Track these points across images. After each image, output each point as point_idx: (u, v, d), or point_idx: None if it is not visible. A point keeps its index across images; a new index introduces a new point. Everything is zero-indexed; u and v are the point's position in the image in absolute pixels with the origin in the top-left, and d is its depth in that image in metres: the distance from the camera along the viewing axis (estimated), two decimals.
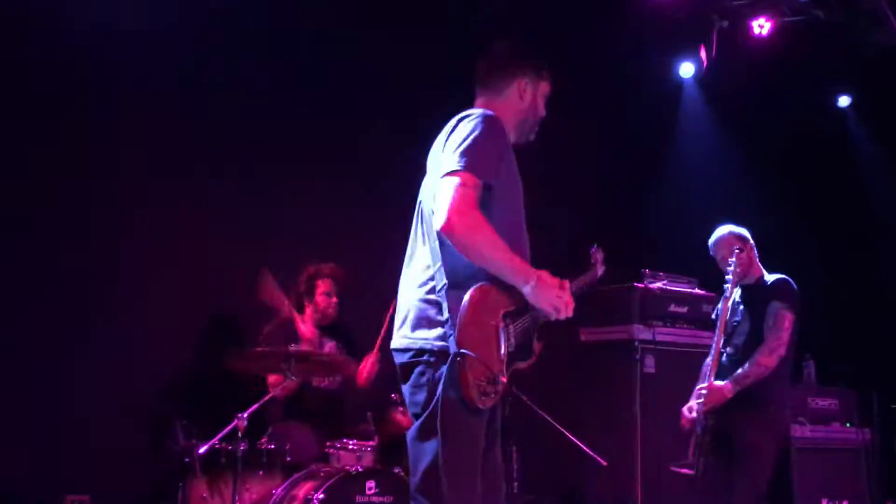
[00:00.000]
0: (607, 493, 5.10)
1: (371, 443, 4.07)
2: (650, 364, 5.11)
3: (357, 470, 3.81)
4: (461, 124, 2.54)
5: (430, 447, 2.39)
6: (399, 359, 2.55)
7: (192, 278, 4.86)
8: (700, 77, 6.77)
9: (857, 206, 6.54)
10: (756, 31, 6.29)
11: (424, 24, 5.46)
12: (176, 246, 4.84)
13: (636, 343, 5.09)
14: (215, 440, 3.76)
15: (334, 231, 5.31)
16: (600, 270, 3.08)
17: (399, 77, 5.47)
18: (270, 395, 4.00)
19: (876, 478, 5.61)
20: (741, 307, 4.18)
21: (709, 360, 4.09)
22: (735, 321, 4.15)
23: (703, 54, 6.46)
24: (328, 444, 4.08)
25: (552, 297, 2.47)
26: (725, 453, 3.98)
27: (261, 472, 3.92)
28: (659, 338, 5.16)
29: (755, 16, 6.26)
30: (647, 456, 5.00)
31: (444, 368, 2.39)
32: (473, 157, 2.44)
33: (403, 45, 5.42)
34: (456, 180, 2.41)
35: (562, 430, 4.34)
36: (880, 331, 5.98)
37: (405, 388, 2.54)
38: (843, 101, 6.83)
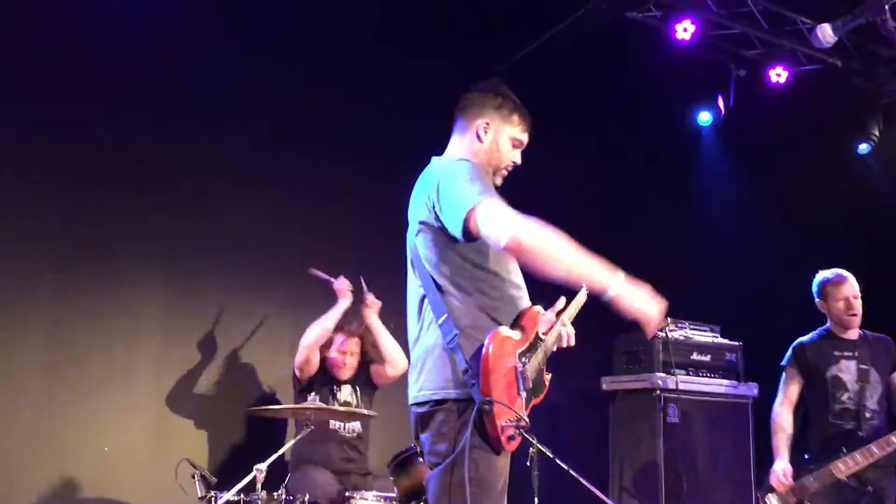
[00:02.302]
0: None
1: (391, 494, 4.02)
2: (673, 413, 5.04)
3: None
4: (447, 170, 2.57)
5: (452, 496, 2.36)
6: (418, 410, 2.55)
7: (211, 321, 4.88)
8: (718, 125, 6.79)
9: (878, 252, 6.47)
10: (773, 79, 6.32)
11: (452, 57, 5.48)
12: (193, 293, 4.86)
13: (659, 392, 5.02)
14: (233, 491, 3.72)
15: (356, 272, 5.33)
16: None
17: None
18: (290, 444, 3.98)
19: None
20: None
21: None
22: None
23: (720, 103, 6.49)
24: (348, 494, 4.02)
25: (641, 300, 2.44)
26: None
27: None
28: (682, 386, 5.09)
29: (772, 65, 6.30)
30: None
31: (465, 417, 2.37)
32: (486, 189, 2.47)
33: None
34: (490, 204, 2.41)
35: (584, 482, 4.26)
36: None
37: (424, 438, 2.53)
38: (863, 147, 6.80)
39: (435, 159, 2.75)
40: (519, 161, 2.79)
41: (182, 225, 4.84)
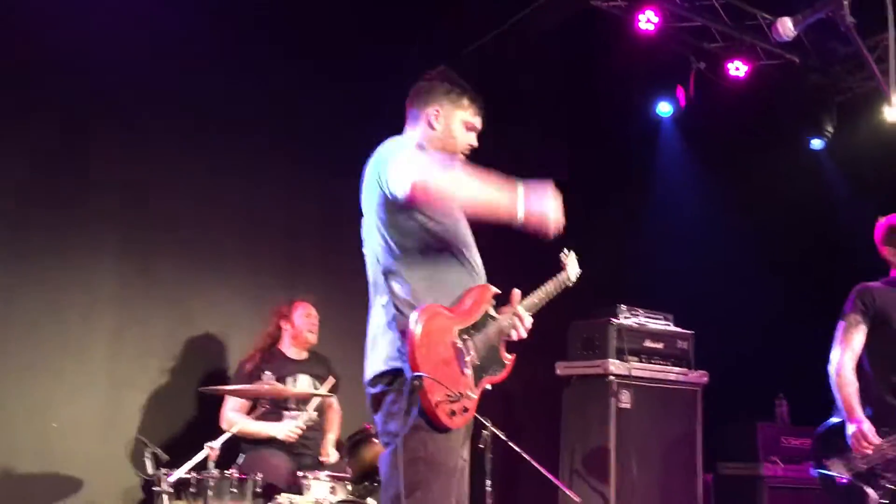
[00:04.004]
0: None
1: (344, 474, 4.03)
2: (625, 399, 5.12)
3: (330, 502, 3.75)
4: (387, 146, 2.62)
5: (400, 474, 2.38)
6: (370, 390, 2.58)
7: (168, 300, 4.83)
8: (678, 116, 6.87)
9: (829, 246, 6.62)
10: (733, 73, 6.40)
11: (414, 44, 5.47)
12: (149, 272, 4.80)
13: (612, 378, 5.09)
14: (185, 469, 3.71)
15: (313, 259, 5.31)
16: (572, 273, 3.04)
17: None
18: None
19: None
20: None
21: None
22: None
23: (680, 94, 6.57)
24: (301, 474, 4.03)
25: (547, 198, 2.51)
26: None
27: (230, 502, 3.85)
28: (634, 373, 5.17)
29: (731, 59, 6.38)
30: (620, 491, 4.98)
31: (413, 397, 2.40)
32: (411, 156, 2.52)
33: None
34: (403, 156, 2.49)
35: (536, 465, 4.32)
36: None
37: (378, 418, 2.56)
38: (817, 143, 6.95)
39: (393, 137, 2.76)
40: (475, 144, 2.81)
41: (140, 202, 4.78)
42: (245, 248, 5.10)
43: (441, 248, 2.57)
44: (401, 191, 2.43)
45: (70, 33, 4.56)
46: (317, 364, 4.72)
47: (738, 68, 6.37)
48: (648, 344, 5.38)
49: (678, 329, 5.57)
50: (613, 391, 5.07)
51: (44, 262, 4.47)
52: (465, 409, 2.46)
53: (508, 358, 2.65)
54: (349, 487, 3.97)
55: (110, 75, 4.69)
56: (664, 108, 6.94)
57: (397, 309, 2.49)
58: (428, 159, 2.51)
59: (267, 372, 4.21)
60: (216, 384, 4.17)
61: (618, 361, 5.14)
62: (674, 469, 5.27)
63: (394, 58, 5.19)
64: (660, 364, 5.36)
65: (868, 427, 3.49)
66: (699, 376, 5.47)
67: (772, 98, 6.69)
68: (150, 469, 3.86)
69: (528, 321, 2.68)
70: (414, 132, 2.77)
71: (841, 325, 3.75)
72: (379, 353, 2.54)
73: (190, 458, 3.71)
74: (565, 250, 3.06)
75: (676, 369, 5.40)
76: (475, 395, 2.51)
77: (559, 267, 3.02)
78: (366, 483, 3.94)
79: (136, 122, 4.79)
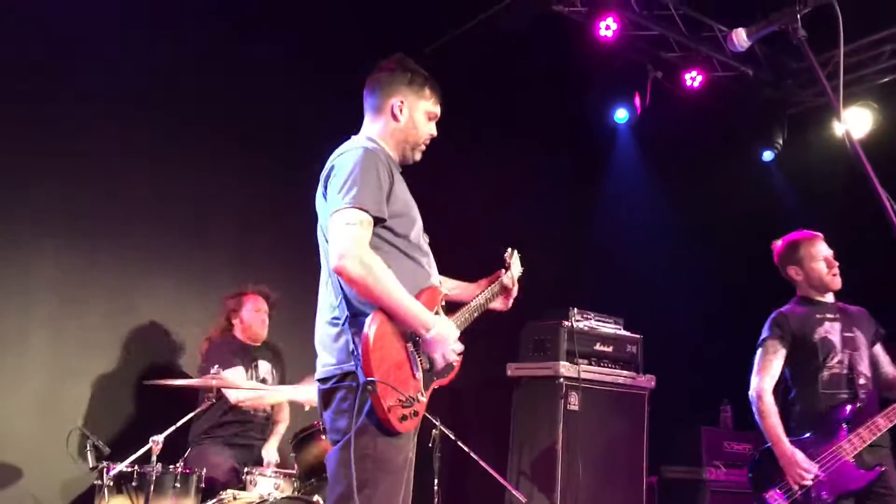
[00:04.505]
0: None
1: (290, 471, 4.00)
2: (574, 401, 5.16)
3: (274, 498, 3.72)
4: (339, 161, 2.57)
5: (347, 474, 2.38)
6: (320, 387, 2.57)
7: (111, 289, 4.74)
8: (633, 123, 6.95)
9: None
10: (688, 83, 6.50)
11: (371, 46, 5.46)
12: (92, 259, 4.71)
13: (561, 380, 5.13)
14: (127, 462, 3.64)
15: (264, 249, 5.26)
16: (515, 271, 3.02)
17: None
18: (189, 415, 3.91)
19: None
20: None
21: None
22: None
23: (637, 101, 6.65)
24: (246, 470, 3.98)
25: (446, 350, 2.53)
26: None
27: (173, 497, 3.79)
28: (584, 375, 5.22)
29: (688, 69, 6.48)
30: (566, 492, 5.03)
31: (364, 396, 2.39)
32: (359, 193, 2.46)
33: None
34: (345, 218, 2.44)
35: (483, 464, 4.33)
36: None
37: (326, 415, 2.55)
38: (767, 155, 7.09)
39: (345, 143, 2.71)
40: (435, 133, 2.80)
41: (82, 188, 4.68)
42: (192, 237, 5.02)
43: (394, 252, 2.55)
44: (331, 261, 2.44)
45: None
46: (274, 353, 4.69)
47: (693, 78, 6.47)
48: (598, 347, 5.44)
49: (627, 333, 5.64)
50: (563, 393, 5.11)
51: None
52: (416, 413, 2.46)
53: (456, 360, 2.65)
54: (295, 484, 3.94)
55: (56, 55, 4.59)
56: (621, 115, 7.02)
57: (349, 309, 2.47)
58: (367, 250, 2.43)
59: (216, 367, 4.16)
60: (160, 376, 4.09)
61: (568, 364, 5.18)
62: (619, 471, 5.34)
63: (351, 50, 5.17)
64: (609, 367, 5.42)
65: (800, 457, 3.52)
66: (647, 380, 5.55)
67: (725, 109, 6.82)
68: (91, 461, 3.79)
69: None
70: (373, 125, 2.74)
71: (759, 351, 3.79)
72: (331, 352, 2.52)
73: (133, 452, 3.64)
74: (509, 249, 3.04)
75: (625, 373, 5.47)
76: (425, 399, 2.51)
77: (504, 265, 3.00)
78: (312, 480, 3.91)
79: (82, 104, 4.68)
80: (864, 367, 3.68)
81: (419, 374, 2.49)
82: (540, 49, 6.14)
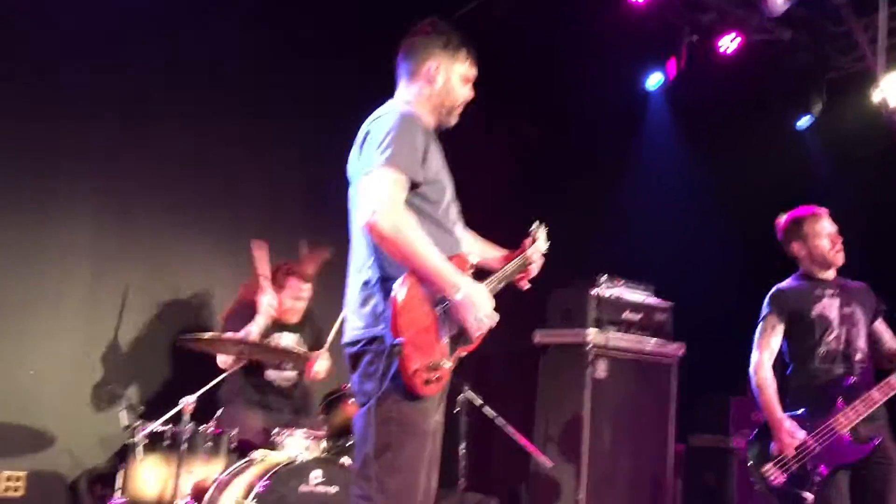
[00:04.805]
0: (552, 495, 5.14)
1: (319, 433, 4.05)
2: (602, 369, 5.16)
3: (304, 459, 3.78)
4: (375, 126, 2.55)
5: (374, 435, 2.40)
6: (348, 350, 2.58)
7: (146, 250, 4.80)
8: (667, 88, 6.84)
9: None
10: (723, 47, 6.37)
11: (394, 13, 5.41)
12: (127, 222, 4.76)
13: (589, 347, 5.13)
14: (159, 422, 3.72)
15: (295, 215, 5.28)
16: (542, 246, 2.95)
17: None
18: (220, 377, 3.97)
19: None
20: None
21: None
22: None
23: (671, 66, 6.54)
24: (276, 431, 4.04)
25: (479, 315, 2.45)
26: None
27: (205, 457, 3.87)
28: (612, 343, 5.20)
29: (723, 32, 6.35)
30: (592, 459, 5.05)
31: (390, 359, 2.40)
32: (394, 154, 2.44)
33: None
34: (379, 176, 2.42)
35: (510, 429, 4.36)
36: None
37: (354, 378, 2.56)
38: (804, 121, 6.95)
39: (381, 108, 2.69)
40: (471, 96, 2.76)
41: (117, 148, 4.72)
42: (226, 202, 5.05)
43: (425, 218, 2.54)
44: (362, 217, 2.43)
45: None
46: (302, 323, 4.70)
47: (730, 42, 6.33)
48: (627, 315, 5.41)
49: (657, 301, 5.60)
50: (590, 360, 5.11)
51: (20, 207, 4.42)
52: (440, 379, 2.46)
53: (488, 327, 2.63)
54: (324, 445, 3.99)
55: (80, 33, 4.61)
56: (653, 81, 6.91)
57: (380, 271, 2.48)
58: (401, 209, 2.41)
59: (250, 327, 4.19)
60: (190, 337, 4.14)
61: (596, 331, 5.17)
62: (646, 439, 5.34)
63: (380, 16, 5.14)
64: (638, 335, 5.39)
65: (790, 424, 3.58)
66: (676, 348, 5.52)
67: (761, 74, 6.67)
68: (125, 421, 3.88)
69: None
70: (409, 90, 2.72)
71: (759, 327, 3.85)
72: (359, 315, 2.53)
73: (166, 412, 3.71)
74: (536, 222, 3.00)
75: (654, 340, 5.44)
76: (450, 364, 2.51)
77: (531, 238, 2.95)
78: (340, 441, 3.97)
79: (116, 68, 4.71)
80: (860, 342, 3.71)
81: (445, 340, 2.49)
82: (569, 14, 6.03)
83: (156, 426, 3.70)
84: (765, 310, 3.87)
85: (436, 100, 2.70)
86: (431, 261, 2.40)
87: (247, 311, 4.43)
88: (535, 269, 2.92)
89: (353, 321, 2.56)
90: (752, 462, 3.70)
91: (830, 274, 3.85)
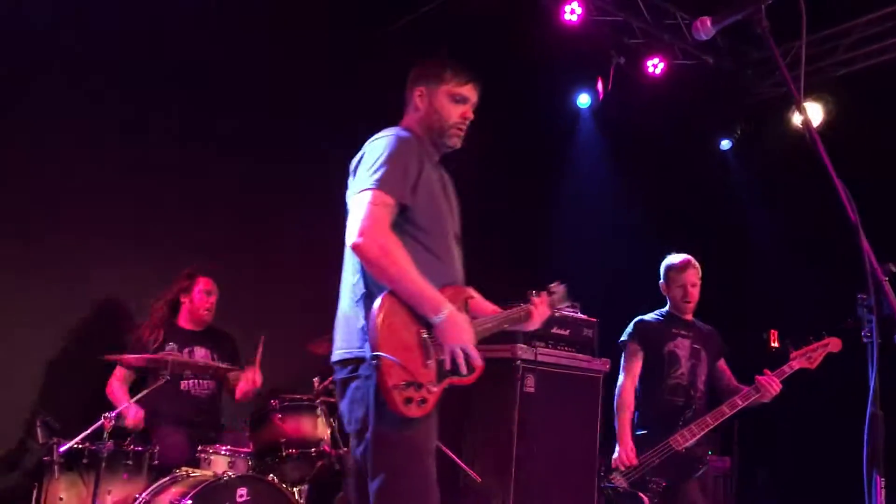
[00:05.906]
0: None
1: (245, 449, 3.97)
2: (530, 383, 5.20)
3: (228, 476, 3.70)
4: (370, 147, 2.58)
5: (375, 460, 2.39)
6: (338, 374, 2.55)
7: (69, 265, 4.66)
8: (595, 109, 6.98)
9: (734, 242, 6.87)
10: (650, 69, 6.55)
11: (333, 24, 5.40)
12: (52, 240, 4.62)
13: (518, 362, 5.16)
14: (77, 439, 3.59)
15: (224, 236, 5.20)
16: (559, 302, 3.10)
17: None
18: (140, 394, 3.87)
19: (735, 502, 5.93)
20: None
21: None
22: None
23: (599, 87, 6.68)
24: (200, 448, 3.95)
25: (462, 337, 2.45)
26: None
27: (125, 475, 3.76)
28: (541, 358, 5.25)
29: (650, 55, 6.52)
30: (520, 474, 5.07)
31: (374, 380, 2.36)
32: (384, 175, 2.46)
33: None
34: (367, 198, 2.44)
35: (439, 444, 4.35)
36: (750, 362, 6.30)
37: (343, 405, 2.52)
38: (725, 143, 7.17)
39: (383, 130, 2.70)
40: (469, 116, 2.77)
41: (40, 161, 4.59)
42: (143, 214, 4.94)
43: (412, 242, 2.52)
44: (348, 238, 2.44)
45: None
46: (214, 338, 4.63)
47: (655, 65, 6.52)
48: (556, 330, 5.47)
49: (584, 317, 5.68)
50: (519, 375, 5.15)
51: None
52: (424, 401, 2.40)
53: (478, 363, 2.58)
54: (250, 462, 3.92)
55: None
56: (584, 100, 7.04)
57: (366, 288, 2.47)
58: (386, 231, 2.41)
59: (171, 343, 4.11)
60: (111, 353, 4.02)
61: (525, 346, 5.22)
62: (574, 452, 5.38)
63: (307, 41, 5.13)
64: (565, 350, 5.46)
65: (630, 448, 4.15)
66: (602, 364, 5.60)
67: (685, 97, 6.88)
68: (41, 438, 3.73)
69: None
70: (406, 118, 2.77)
71: (623, 353, 4.44)
72: (345, 336, 2.51)
73: (85, 429, 3.59)
74: (557, 282, 3.14)
75: (581, 356, 5.51)
76: (436, 390, 2.45)
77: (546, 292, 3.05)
78: (266, 459, 3.90)
79: (45, 76, 4.60)
80: (702, 380, 4.27)
81: (431, 363, 2.45)
82: (504, 32, 6.11)
83: (73, 444, 3.57)
84: (626, 336, 4.45)
85: (424, 123, 2.73)
86: (414, 283, 2.39)
87: (165, 328, 4.41)
88: (538, 323, 3.07)
89: (337, 341, 2.54)
90: (605, 472, 4.27)
91: (688, 315, 4.39)
